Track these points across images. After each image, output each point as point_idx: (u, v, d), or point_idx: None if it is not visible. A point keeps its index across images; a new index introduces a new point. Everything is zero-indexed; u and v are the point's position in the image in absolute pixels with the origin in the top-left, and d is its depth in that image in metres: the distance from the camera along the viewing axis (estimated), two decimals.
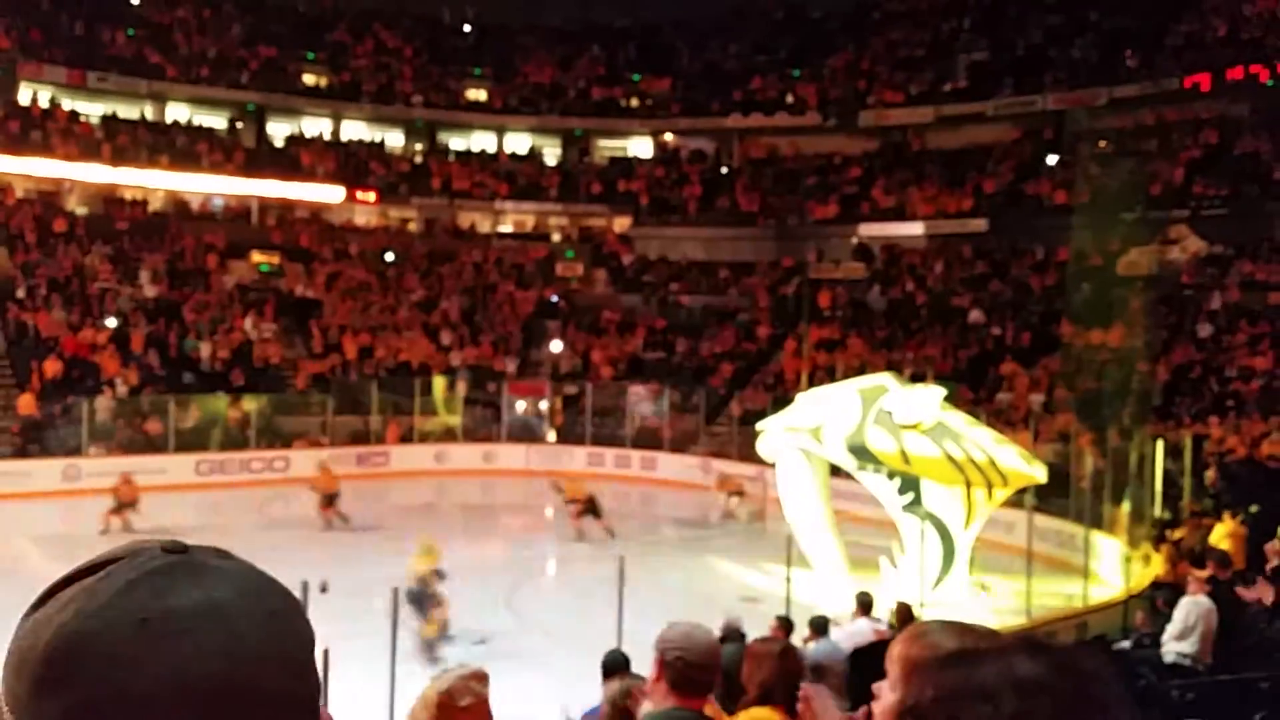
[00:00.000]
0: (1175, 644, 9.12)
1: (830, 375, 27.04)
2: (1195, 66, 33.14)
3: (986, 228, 34.58)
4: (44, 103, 35.67)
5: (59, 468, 24.11)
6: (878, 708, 1.26)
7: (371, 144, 41.39)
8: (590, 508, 19.78)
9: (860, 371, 24.82)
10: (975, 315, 31.22)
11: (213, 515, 22.22)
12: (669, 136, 43.09)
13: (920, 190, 36.82)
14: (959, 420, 16.39)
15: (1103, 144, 34.38)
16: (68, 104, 36.13)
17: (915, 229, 36.12)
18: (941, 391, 16.86)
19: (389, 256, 37.68)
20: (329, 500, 20.84)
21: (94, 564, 0.81)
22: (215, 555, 0.84)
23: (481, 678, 2.67)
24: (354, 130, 41.64)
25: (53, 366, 26.56)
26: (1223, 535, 14.85)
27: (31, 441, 25.03)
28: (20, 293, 28.85)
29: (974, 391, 26.59)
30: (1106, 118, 34.93)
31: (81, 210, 34.41)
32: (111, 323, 29.09)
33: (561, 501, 20.77)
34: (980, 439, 16.01)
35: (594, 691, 6.28)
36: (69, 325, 28.32)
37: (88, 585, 0.79)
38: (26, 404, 25.52)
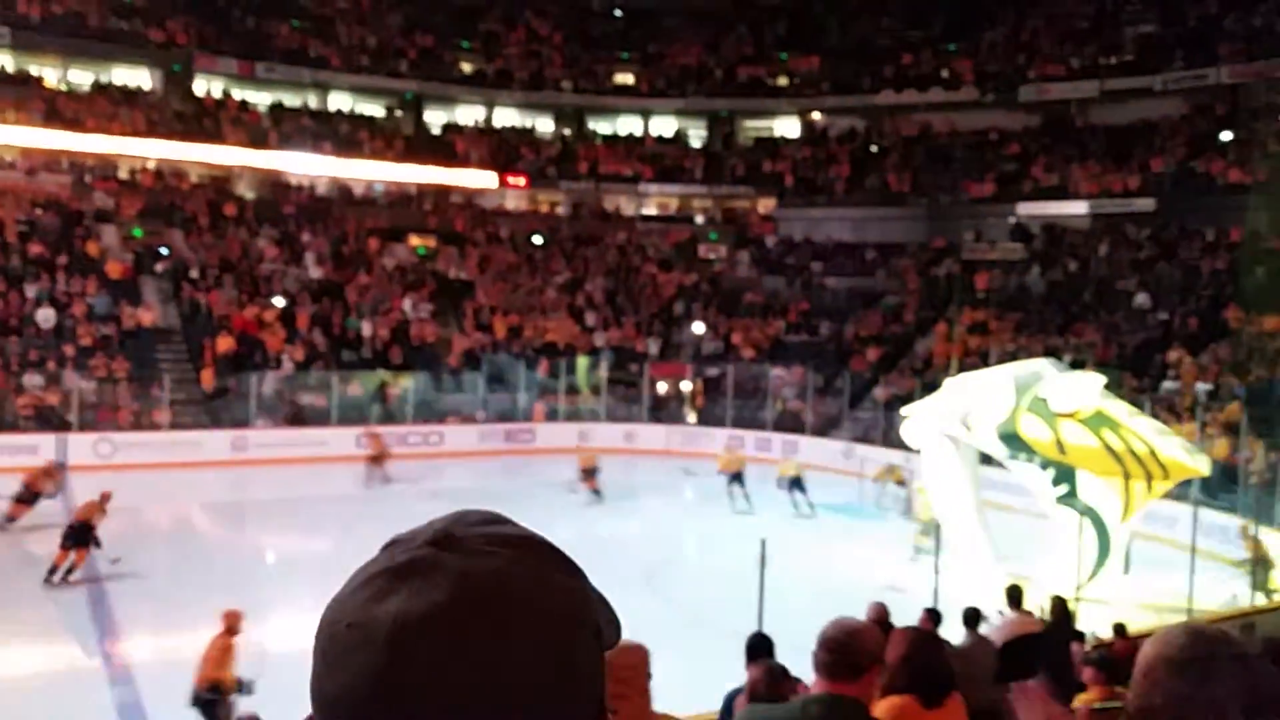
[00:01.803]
0: None
1: (983, 360, 26.25)
2: None
3: (1154, 207, 32.92)
4: (216, 93, 37.68)
5: (228, 439, 25.57)
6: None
7: (522, 130, 42.23)
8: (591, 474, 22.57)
9: (1014, 357, 24.00)
10: (1141, 299, 29.79)
11: (373, 486, 23.17)
12: (817, 115, 42.44)
13: (1084, 168, 35.29)
14: (1119, 409, 15.68)
15: None
16: (238, 94, 38.06)
17: (1078, 208, 34.65)
18: (1101, 379, 16.15)
19: (537, 239, 38.43)
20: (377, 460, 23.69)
21: (391, 541, 0.82)
22: (478, 551, 0.78)
23: (639, 649, 2.75)
24: (505, 117, 42.55)
25: (224, 343, 28.11)
26: None
27: (206, 414, 26.58)
28: (194, 273, 30.60)
29: (1138, 379, 25.41)
30: None
31: (250, 195, 36.25)
32: (279, 302, 30.60)
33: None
34: (1141, 429, 15.29)
35: (737, 674, 6.31)
36: (238, 304, 29.92)
37: (359, 568, 0.80)
38: (207, 378, 27.11)
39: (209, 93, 37.65)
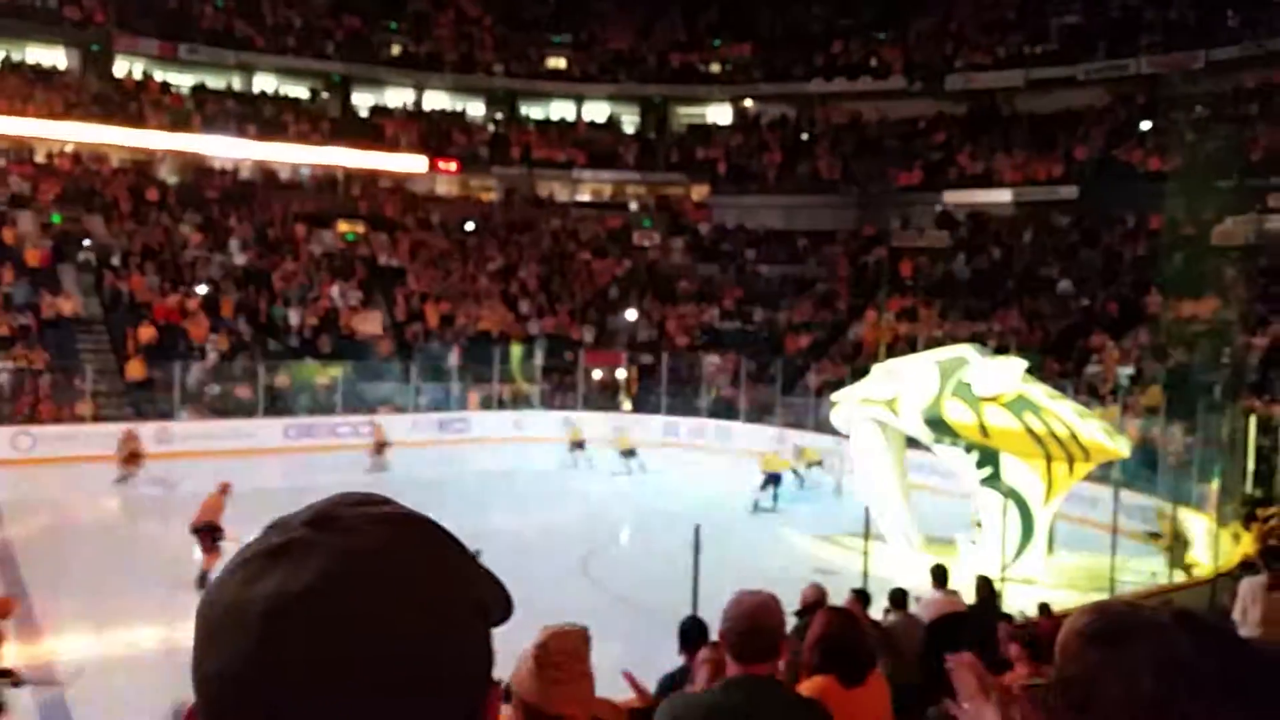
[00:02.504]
0: (1240, 628, 8.90)
1: (911, 346, 26.67)
2: None
3: (1077, 195, 33.67)
4: (137, 75, 36.68)
5: (152, 430, 24.98)
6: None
7: (453, 114, 41.78)
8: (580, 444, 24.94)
9: (942, 343, 24.42)
10: (1064, 285, 30.48)
11: (299, 478, 22.85)
12: (749, 103, 42.65)
13: (1009, 156, 35.95)
14: (1040, 393, 16.05)
15: (1199, 109, 33.11)
16: (159, 76, 37.10)
17: (1003, 196, 35.31)
18: (1023, 363, 16.52)
19: (469, 226, 38.10)
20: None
21: (269, 525, 0.81)
22: (355, 529, 0.77)
23: (579, 633, 2.75)
24: (435, 100, 42.05)
25: (147, 332, 27.46)
26: None
27: (130, 405, 25.95)
28: (115, 260, 29.82)
29: (1061, 364, 26.02)
30: (1204, 81, 33.62)
31: (173, 180, 35.39)
32: (202, 290, 29.94)
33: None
34: (1062, 412, 15.67)
35: (670, 658, 6.34)
36: (161, 292, 29.22)
37: (237, 551, 0.80)
38: (135, 369, 26.44)
39: (129, 74, 36.64)
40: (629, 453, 24.69)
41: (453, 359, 30.39)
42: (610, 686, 5.28)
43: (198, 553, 14.22)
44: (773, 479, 21.33)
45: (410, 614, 0.74)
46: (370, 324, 31.19)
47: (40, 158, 33.42)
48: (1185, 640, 1.08)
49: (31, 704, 10.55)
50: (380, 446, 24.50)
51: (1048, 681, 1.25)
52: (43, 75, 34.75)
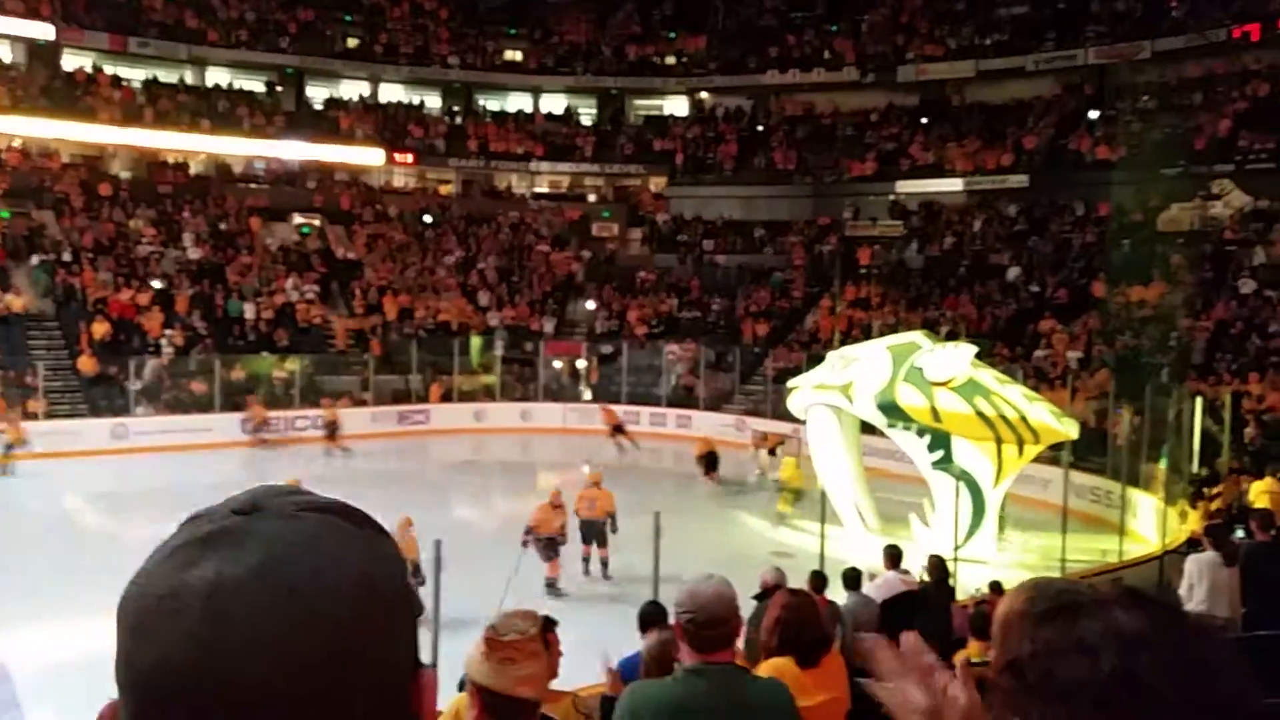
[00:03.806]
0: (1187, 603, 9.21)
1: (866, 333, 27.03)
2: (1245, 16, 32.36)
3: (1027, 184, 34.19)
4: (87, 69, 36.13)
5: (108, 427, 24.75)
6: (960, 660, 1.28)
7: (409, 106, 41.55)
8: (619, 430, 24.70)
9: (896, 330, 24.78)
10: (1014, 272, 30.99)
11: (259, 473, 22.73)
12: (704, 95, 42.84)
13: (960, 146, 36.42)
14: (990, 377, 16.41)
15: (1145, 98, 33.76)
16: (110, 69, 36.57)
17: (954, 185, 35.77)
18: (973, 349, 16.87)
19: (427, 218, 37.98)
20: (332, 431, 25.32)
21: (191, 516, 0.81)
22: (285, 516, 0.79)
23: (529, 615, 2.83)
24: (391, 93, 41.82)
25: (100, 328, 27.15)
26: (1261, 492, 14.77)
27: (84, 402, 25.67)
28: (66, 255, 29.42)
29: (1011, 349, 26.48)
30: (1149, 71, 34.28)
31: (125, 174, 34.93)
32: (157, 285, 29.63)
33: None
34: (1011, 396, 16.03)
35: (631, 642, 6.48)
36: (114, 287, 28.88)
37: (159, 544, 0.79)
38: (87, 364, 26.14)
39: (80, 68, 36.08)
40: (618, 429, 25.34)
41: (373, 349, 30.22)
42: (579, 673, 5.43)
43: None
44: (711, 460, 22.09)
45: (348, 596, 0.75)
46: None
47: None
48: (1138, 616, 1.09)
49: None
50: (331, 427, 25.04)
51: (994, 664, 1.18)
52: None
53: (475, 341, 31.58)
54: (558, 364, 32.33)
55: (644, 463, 22.75)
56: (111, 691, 0.77)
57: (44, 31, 34.81)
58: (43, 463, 22.22)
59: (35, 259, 28.89)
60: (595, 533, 15.16)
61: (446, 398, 29.70)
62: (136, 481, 21.59)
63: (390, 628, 0.78)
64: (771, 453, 22.79)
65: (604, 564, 15.15)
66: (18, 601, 13.33)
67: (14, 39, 34.95)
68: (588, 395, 31.32)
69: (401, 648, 0.80)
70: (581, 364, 32.28)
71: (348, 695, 0.74)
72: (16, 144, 33.32)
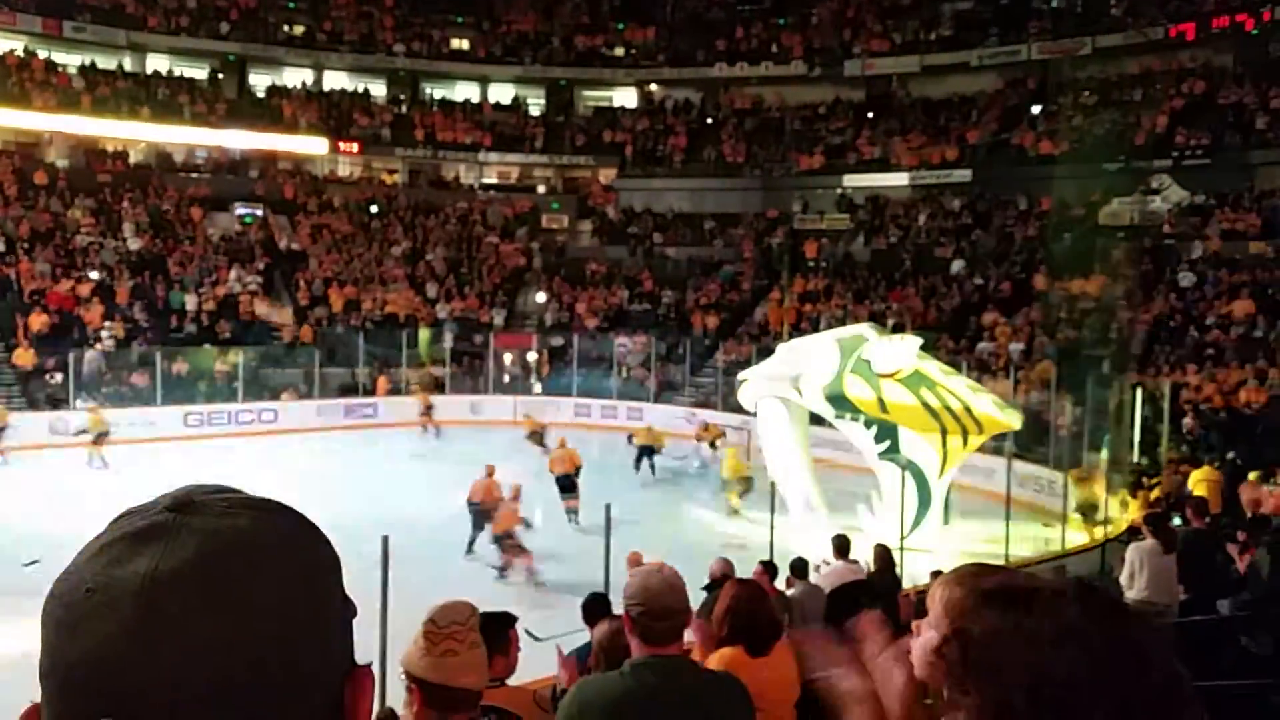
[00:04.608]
0: (1128, 591, 9.42)
1: (814, 326, 27.27)
2: (1180, 15, 33.10)
3: (970, 178, 34.65)
4: (19, 53, 35.21)
5: (46, 421, 24.20)
6: (917, 645, 1.28)
7: (354, 94, 41.03)
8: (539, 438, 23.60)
9: (844, 322, 25.03)
10: (958, 265, 31.39)
11: (201, 468, 22.36)
12: (654, 87, 42.84)
13: (905, 141, 36.81)
14: (935, 369, 16.62)
15: (1086, 94, 34.36)
16: (44, 54, 35.67)
17: (900, 179, 36.16)
18: (918, 341, 17.07)
19: (373, 208, 37.57)
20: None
21: (123, 513, 0.80)
22: (218, 512, 0.77)
23: (465, 606, 2.82)
24: (336, 80, 41.27)
25: (38, 320, 26.53)
26: (1199, 481, 15.10)
27: (20, 396, 25.08)
28: (1, 246, 28.70)
29: (956, 341, 26.84)
30: (1090, 67, 34.91)
31: (62, 163, 34.13)
32: (95, 275, 29.01)
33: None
34: (956, 387, 16.25)
35: (580, 633, 6.49)
36: (53, 278, 28.24)
37: (91, 540, 0.78)
38: (24, 357, 25.53)
39: (11, 51, 35.16)
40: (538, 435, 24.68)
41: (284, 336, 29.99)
42: (536, 665, 5.42)
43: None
44: (646, 451, 22.31)
45: (285, 592, 0.75)
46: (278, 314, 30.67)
47: None
48: (1075, 605, 1.13)
49: None
50: (427, 411, 26.85)
51: (942, 634, 1.22)
52: None
53: (424, 334, 31.31)
54: (508, 356, 32.17)
55: (593, 455, 22.71)
56: (34, 695, 0.76)
57: None
58: None
59: None
60: (570, 484, 17.66)
61: (394, 391, 29.42)
62: (76, 478, 21.15)
63: (324, 625, 0.78)
64: (712, 445, 22.95)
65: (575, 513, 17.38)
66: None
67: None
68: (538, 388, 31.21)
69: (335, 646, 0.80)
70: (532, 356, 32.16)
71: (279, 693, 0.74)
72: None
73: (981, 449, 17.44)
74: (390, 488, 19.63)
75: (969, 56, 37.14)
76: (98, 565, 0.74)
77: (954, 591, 1.24)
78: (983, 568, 1.30)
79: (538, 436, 23.91)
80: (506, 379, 31.65)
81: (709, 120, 41.56)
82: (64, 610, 0.73)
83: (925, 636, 1.25)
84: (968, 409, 15.92)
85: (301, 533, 0.81)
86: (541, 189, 41.32)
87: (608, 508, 10.67)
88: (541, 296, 34.53)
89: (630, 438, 23.16)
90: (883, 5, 40.34)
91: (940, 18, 38.99)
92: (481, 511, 15.48)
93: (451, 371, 30.81)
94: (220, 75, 39.07)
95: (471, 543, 15.69)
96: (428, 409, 27.15)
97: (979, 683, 1.16)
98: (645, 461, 22.24)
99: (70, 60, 36.28)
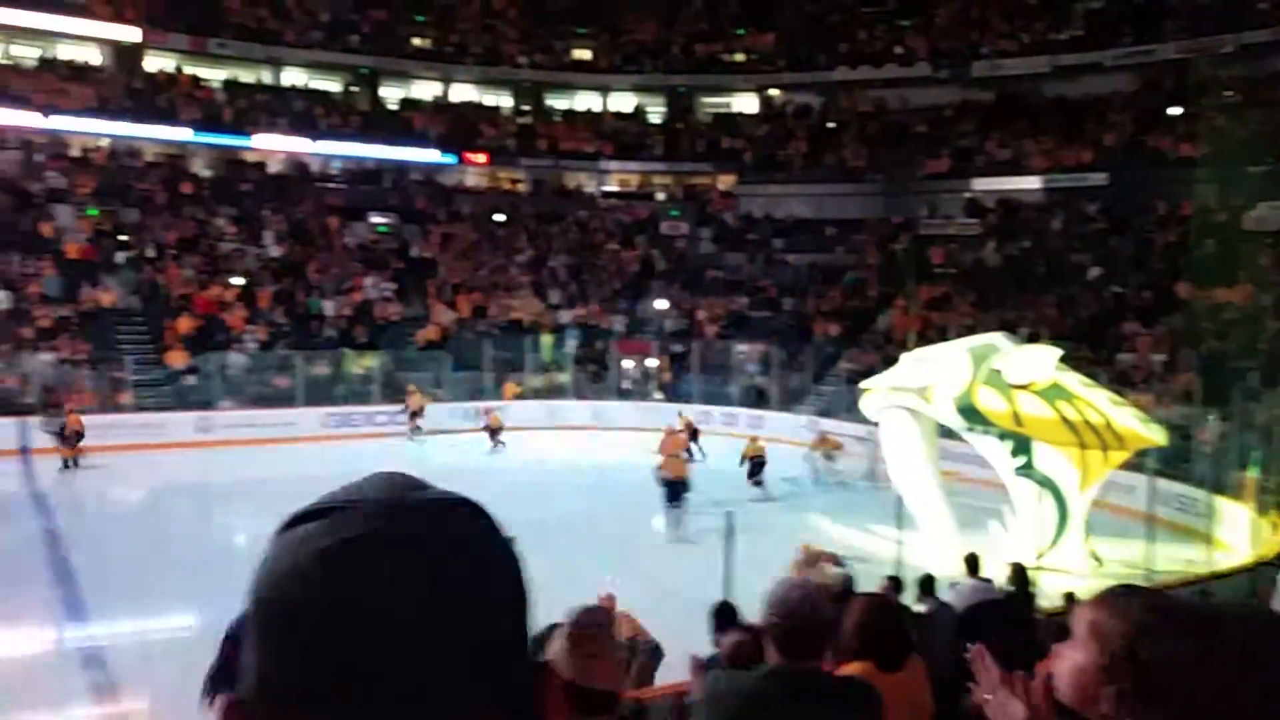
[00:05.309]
0: None
1: (941, 334, 26.67)
2: None
3: (1106, 182, 33.48)
4: (169, 70, 37.05)
5: (192, 420, 25.39)
6: (1062, 668, 1.26)
7: (480, 106, 41.95)
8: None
9: (972, 331, 24.37)
10: (1095, 272, 30.35)
11: (340, 466, 23.12)
12: (774, 92, 42.62)
13: (1037, 143, 35.79)
14: (1074, 381, 16.05)
15: (1229, 93, 32.82)
16: (190, 70, 37.46)
17: (1032, 183, 35.16)
18: (1056, 351, 16.51)
19: (499, 217, 38.34)
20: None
21: (334, 503, 0.80)
22: (418, 527, 0.76)
23: (600, 609, 2.90)
24: (462, 92, 42.26)
25: (185, 324, 27.86)
26: None
27: (170, 395, 26.37)
28: (151, 252, 30.22)
29: (1093, 352, 25.91)
30: (1234, 66, 33.31)
31: (206, 173, 35.77)
32: (238, 281, 30.32)
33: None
34: (1096, 400, 15.66)
35: (702, 640, 6.50)
36: (199, 284, 29.62)
37: (310, 530, 0.79)
38: (177, 358, 26.84)
39: (161, 70, 37.02)
40: (496, 432, 26.03)
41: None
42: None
43: None
44: (756, 464, 21.60)
45: (499, 595, 0.77)
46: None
47: (75, 152, 33.88)
48: (1264, 637, 1.09)
49: (82, 686, 10.81)
50: (414, 414, 26.78)
51: (1111, 653, 1.16)
52: (76, 72, 35.17)
53: (546, 340, 31.80)
54: (629, 363, 32.41)
55: (710, 464, 22.70)
56: (199, 677, 0.76)
57: (130, 35, 35.84)
58: (129, 454, 22.89)
59: (122, 256, 29.75)
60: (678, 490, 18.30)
61: (520, 396, 29.94)
62: (221, 474, 22.15)
63: (524, 624, 0.79)
64: (828, 457, 22.64)
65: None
66: (104, 589, 13.74)
67: (101, 42, 35.98)
68: (659, 394, 31.36)
69: (530, 645, 0.80)
70: (652, 363, 32.32)
71: (483, 685, 0.74)
72: (103, 144, 34.31)
73: (1121, 465, 16.80)
74: (519, 488, 19.97)
75: (1102, 57, 35.89)
76: (332, 579, 0.73)
77: (1113, 615, 1.20)
78: (1135, 590, 1.27)
79: (495, 433, 25.85)
80: (627, 384, 31.88)
81: (830, 125, 41.13)
82: (279, 607, 0.76)
83: (1077, 659, 1.21)
84: (1109, 423, 15.33)
85: (499, 529, 0.80)
86: (661, 196, 41.54)
87: (728, 515, 10.68)
88: (662, 303, 34.68)
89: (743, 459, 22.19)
90: (1010, 5, 39.30)
91: (1071, 17, 37.78)
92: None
93: (575, 378, 31.21)
94: (353, 88, 40.40)
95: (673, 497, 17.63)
96: (415, 413, 27.26)
97: (1154, 709, 1.12)
98: (758, 474, 21.69)
99: (214, 75, 38.02)
